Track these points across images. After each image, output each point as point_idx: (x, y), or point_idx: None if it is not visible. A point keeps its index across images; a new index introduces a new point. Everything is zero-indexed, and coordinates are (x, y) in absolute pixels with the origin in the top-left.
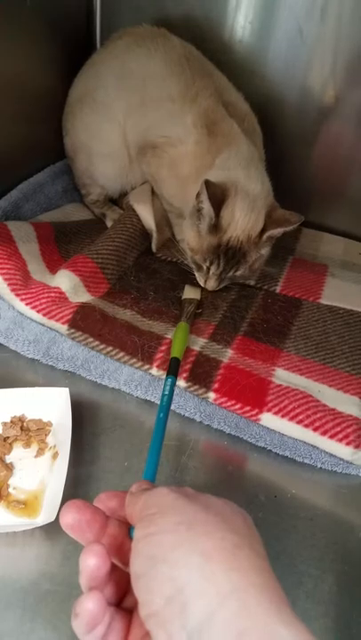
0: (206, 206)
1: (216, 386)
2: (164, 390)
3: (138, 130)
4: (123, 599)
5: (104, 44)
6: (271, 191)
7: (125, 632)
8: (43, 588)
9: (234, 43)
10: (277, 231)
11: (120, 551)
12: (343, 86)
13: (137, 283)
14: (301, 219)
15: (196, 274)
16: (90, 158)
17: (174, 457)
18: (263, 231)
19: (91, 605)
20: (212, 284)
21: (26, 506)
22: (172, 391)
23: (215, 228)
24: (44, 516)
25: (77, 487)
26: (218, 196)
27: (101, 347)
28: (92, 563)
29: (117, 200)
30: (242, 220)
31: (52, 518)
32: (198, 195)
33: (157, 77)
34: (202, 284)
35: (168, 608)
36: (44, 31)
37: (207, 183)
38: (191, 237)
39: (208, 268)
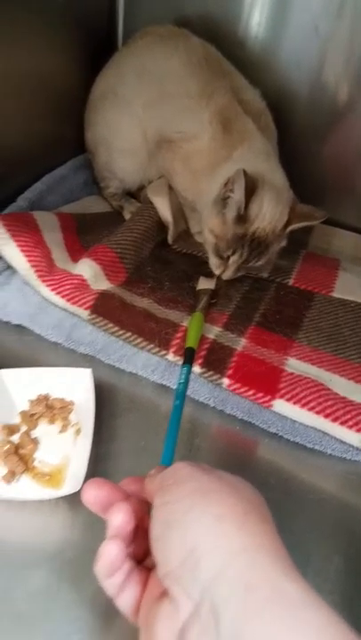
0: (238, 195)
1: (230, 372)
2: (179, 379)
3: (155, 125)
4: (143, 560)
5: (126, 43)
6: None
7: (142, 587)
8: (67, 554)
9: (249, 39)
10: (301, 225)
11: (140, 525)
12: (357, 82)
13: (153, 273)
14: (325, 215)
15: (213, 261)
16: (110, 152)
17: (187, 440)
18: (287, 224)
19: (112, 549)
20: (228, 274)
21: (50, 478)
22: (187, 379)
23: (242, 218)
24: (68, 488)
25: (97, 463)
26: (250, 186)
27: (120, 332)
28: (120, 518)
29: (135, 193)
30: (269, 213)
31: (76, 489)
32: (227, 183)
33: (176, 75)
34: (217, 273)
35: (183, 566)
36: (68, 32)
37: (244, 172)
38: (215, 225)
39: (228, 258)
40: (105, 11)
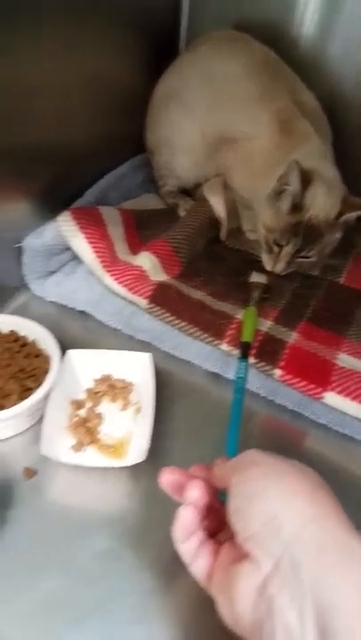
0: (293, 185)
1: (282, 363)
2: (238, 373)
3: (216, 126)
4: (215, 535)
5: (190, 48)
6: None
7: (214, 557)
8: (127, 522)
9: (302, 41)
10: (353, 215)
11: (209, 507)
12: None
13: (206, 267)
14: None
15: (265, 257)
16: (171, 152)
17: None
18: (340, 214)
19: (188, 513)
20: (281, 267)
21: (114, 449)
22: (246, 373)
23: (297, 207)
24: (131, 459)
25: (155, 440)
26: (304, 176)
27: (176, 322)
28: (195, 493)
29: (190, 191)
30: (323, 201)
31: (138, 461)
32: (281, 177)
33: (238, 79)
34: (269, 268)
35: (264, 530)
36: (133, 36)
37: (297, 163)
38: (268, 217)
39: (281, 249)
40: (169, 16)
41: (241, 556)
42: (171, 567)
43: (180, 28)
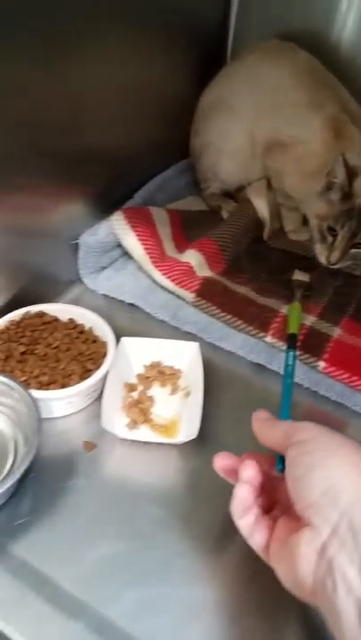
0: (340, 176)
1: (326, 356)
2: (287, 361)
3: (267, 130)
4: (269, 512)
5: (237, 58)
6: None
7: (270, 531)
8: (178, 493)
9: (342, 46)
10: None
11: (263, 485)
12: None
13: (250, 265)
14: None
15: (319, 248)
16: (217, 156)
17: None
18: None
19: (243, 490)
20: (336, 256)
21: (166, 429)
22: (294, 362)
23: (346, 195)
24: (183, 437)
25: (203, 422)
26: (350, 169)
27: (221, 314)
28: (250, 472)
29: (233, 194)
30: None
31: (188, 439)
32: (329, 173)
33: (286, 87)
34: (323, 259)
35: (323, 498)
36: (182, 47)
37: (342, 156)
38: (320, 208)
39: (335, 238)
40: (216, 28)
41: (298, 526)
42: (220, 535)
43: (227, 39)
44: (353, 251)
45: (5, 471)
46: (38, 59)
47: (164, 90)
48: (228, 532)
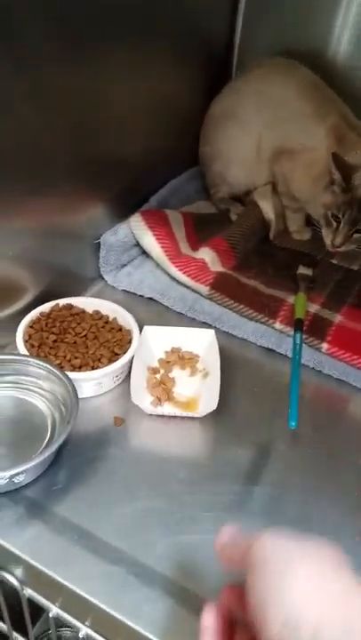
0: (336, 174)
1: (329, 338)
2: (295, 340)
3: (274, 139)
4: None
5: (243, 73)
6: None
7: None
8: (202, 459)
9: (338, 63)
10: None
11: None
12: None
13: (258, 262)
14: None
15: (325, 231)
16: (225, 163)
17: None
18: None
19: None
20: (339, 240)
21: (187, 405)
22: (301, 342)
23: (346, 189)
24: (203, 410)
25: (220, 400)
26: (348, 166)
27: (234, 305)
28: (210, 620)
29: (240, 198)
30: None
31: (210, 410)
32: (330, 172)
33: (292, 99)
34: (328, 242)
35: (284, 630)
36: (190, 62)
37: (334, 155)
38: (327, 199)
39: (338, 223)
40: (223, 45)
41: None
42: (240, 491)
43: (232, 56)
44: (356, 235)
45: (44, 444)
46: (72, 79)
47: (176, 103)
48: (248, 487)
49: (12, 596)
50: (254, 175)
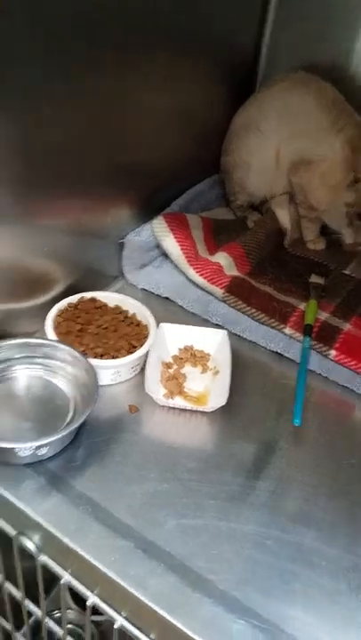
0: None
1: (337, 345)
2: (304, 344)
3: (293, 151)
4: None
5: (266, 86)
6: None
7: None
8: (209, 450)
9: (358, 79)
10: None
11: None
12: None
13: (272, 269)
14: None
15: (347, 232)
16: (246, 172)
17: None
18: None
19: None
20: None
21: (197, 400)
22: (310, 346)
23: None
24: (213, 405)
25: (230, 395)
26: None
27: (247, 309)
28: None
29: (258, 206)
30: None
31: (218, 406)
32: (356, 169)
33: (311, 113)
34: (349, 240)
35: None
36: (216, 74)
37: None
38: (349, 197)
39: None
40: (248, 59)
41: None
42: (244, 484)
43: (258, 69)
44: None
45: (66, 423)
46: (104, 87)
47: (200, 113)
48: (251, 481)
49: (27, 569)
50: (272, 184)
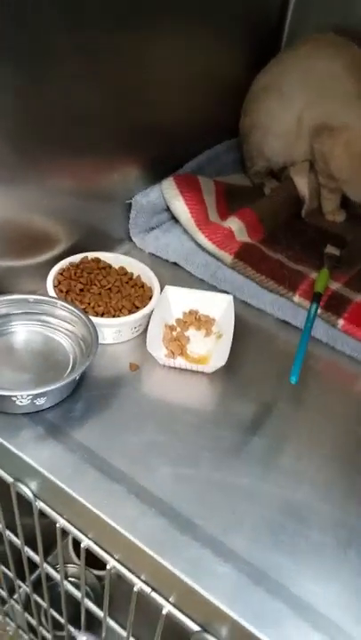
0: None
1: (346, 315)
2: (310, 309)
3: (316, 116)
4: None
5: (292, 46)
6: None
7: None
8: (208, 407)
9: None
10: None
11: None
12: None
13: (285, 237)
14: None
15: None
16: (264, 136)
17: (304, 364)
18: None
19: None
20: None
21: (198, 361)
22: (316, 312)
23: None
24: (213, 366)
25: (229, 360)
26: None
27: (256, 275)
28: None
29: (276, 173)
30: None
31: (219, 365)
32: None
33: (337, 77)
34: None
35: None
36: (239, 32)
37: None
38: None
39: None
40: (274, 18)
41: None
42: (238, 441)
43: (283, 28)
44: None
45: (65, 375)
46: (119, 41)
47: (221, 72)
48: (247, 437)
49: (29, 526)
50: (292, 150)
